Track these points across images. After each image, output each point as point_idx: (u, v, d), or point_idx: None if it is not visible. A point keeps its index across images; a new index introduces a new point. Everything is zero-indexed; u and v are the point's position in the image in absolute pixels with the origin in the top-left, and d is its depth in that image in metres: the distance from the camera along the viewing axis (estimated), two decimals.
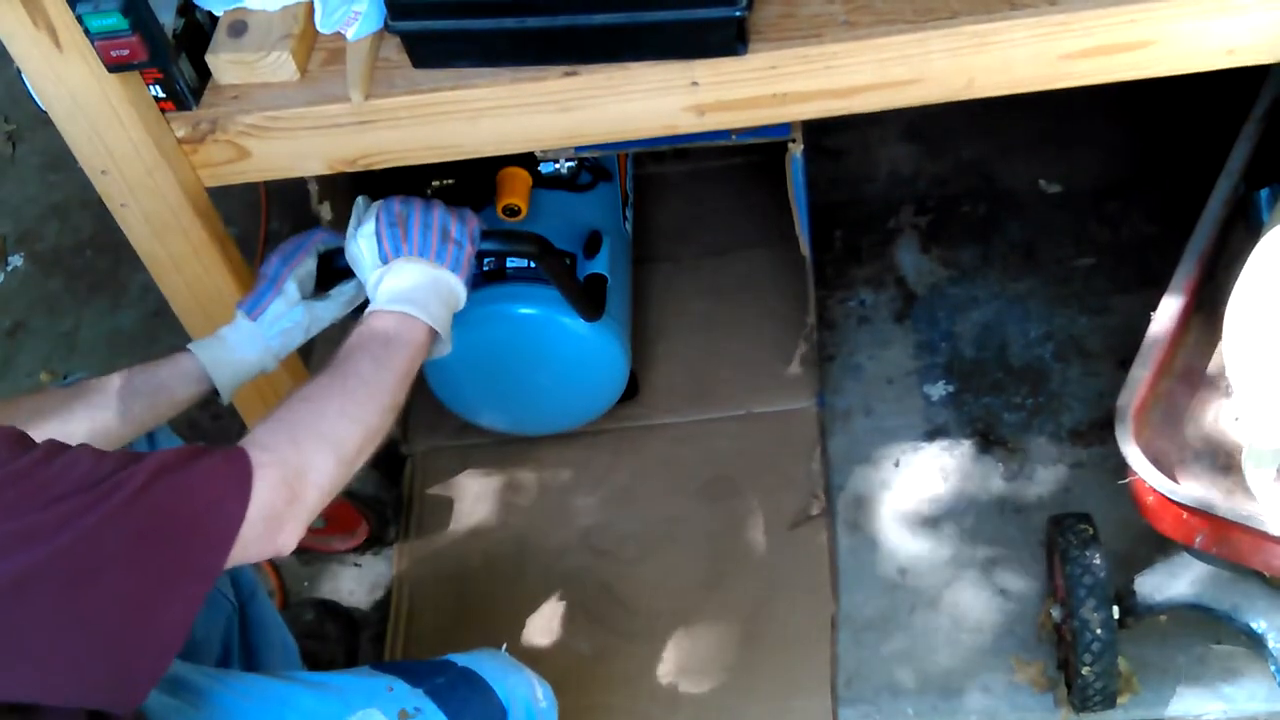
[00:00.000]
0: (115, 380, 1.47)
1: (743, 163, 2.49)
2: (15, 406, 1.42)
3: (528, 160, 1.96)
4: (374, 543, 2.13)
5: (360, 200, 1.56)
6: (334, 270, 1.58)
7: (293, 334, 1.56)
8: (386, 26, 1.57)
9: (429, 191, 1.99)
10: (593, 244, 2.03)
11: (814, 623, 1.96)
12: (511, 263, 1.94)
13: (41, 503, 1.06)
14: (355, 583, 2.13)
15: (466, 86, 1.57)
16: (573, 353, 2.00)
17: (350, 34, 1.62)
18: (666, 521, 2.10)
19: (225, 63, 1.61)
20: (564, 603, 2.05)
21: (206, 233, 1.69)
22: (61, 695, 1.09)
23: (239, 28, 1.62)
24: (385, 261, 1.45)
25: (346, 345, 1.36)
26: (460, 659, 1.48)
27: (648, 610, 2.02)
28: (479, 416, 2.16)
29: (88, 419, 1.42)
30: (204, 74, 1.63)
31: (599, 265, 2.01)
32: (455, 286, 1.47)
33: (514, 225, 1.96)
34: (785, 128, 1.76)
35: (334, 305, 1.59)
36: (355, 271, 1.50)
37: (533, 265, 1.91)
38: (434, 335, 1.42)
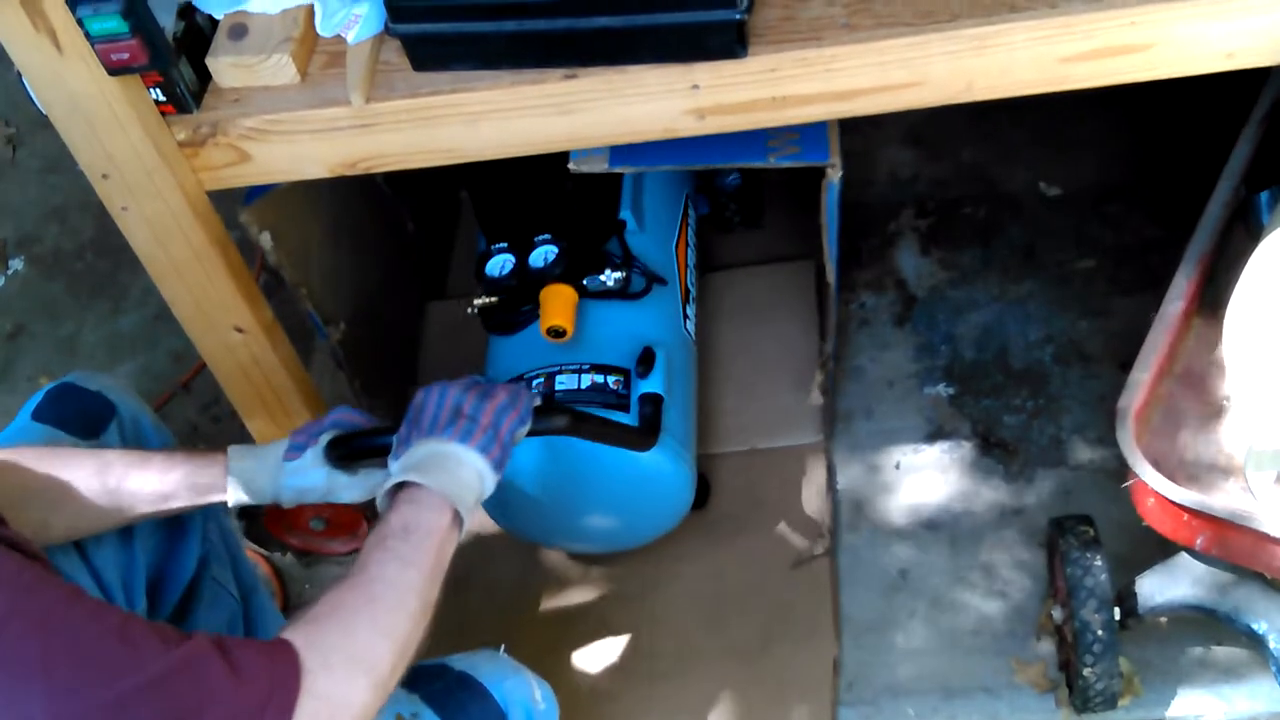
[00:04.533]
0: (155, 462, 1.47)
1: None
2: (53, 456, 1.43)
3: (572, 274, 1.89)
4: None
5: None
6: (359, 449, 1.52)
7: (307, 495, 1.52)
8: (387, 29, 1.57)
9: (471, 311, 1.93)
10: (646, 359, 1.87)
11: (815, 664, 1.92)
12: (560, 385, 1.84)
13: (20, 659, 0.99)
14: None
15: (467, 89, 1.57)
16: (632, 480, 1.88)
17: (350, 37, 1.62)
18: (671, 559, 2.07)
19: (226, 66, 1.61)
20: (565, 637, 2.02)
21: (207, 236, 1.69)
22: None
23: (239, 31, 1.62)
24: (398, 456, 1.40)
25: (367, 545, 1.28)
26: (457, 662, 1.47)
27: (649, 649, 1.99)
28: (537, 539, 2.07)
29: (113, 492, 1.43)
30: (204, 77, 1.63)
31: (654, 384, 1.85)
32: (464, 457, 1.36)
33: (559, 348, 1.87)
34: (824, 153, 1.71)
35: (357, 486, 1.53)
36: None
37: (583, 387, 1.83)
38: (454, 513, 1.32)
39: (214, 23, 1.64)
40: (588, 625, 2.03)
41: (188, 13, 1.62)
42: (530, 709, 1.45)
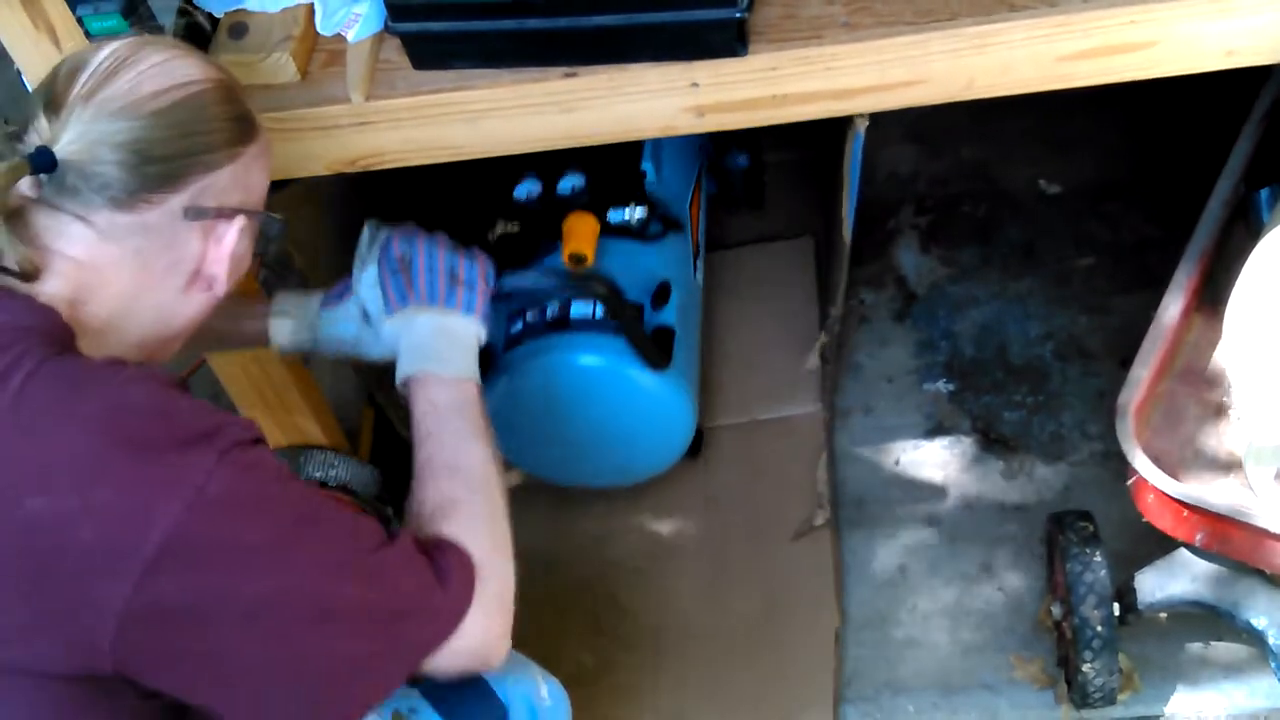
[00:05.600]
0: None
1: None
2: None
3: (596, 206, 1.91)
4: None
5: (366, 231, 1.54)
6: None
7: (341, 345, 1.57)
8: (387, 28, 1.57)
9: (492, 239, 1.93)
10: (661, 294, 1.94)
11: (817, 636, 1.93)
12: (576, 311, 1.86)
13: (288, 524, 1.11)
14: None
15: (467, 87, 1.57)
16: (638, 405, 1.91)
17: (351, 35, 1.62)
18: (672, 533, 2.08)
19: (226, 64, 1.60)
20: (569, 611, 2.03)
21: None
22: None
23: (239, 29, 1.62)
24: (391, 312, 1.44)
25: (427, 426, 1.36)
26: None
27: (652, 622, 2.00)
28: (534, 468, 2.09)
29: None
30: None
31: (667, 316, 1.92)
32: (470, 328, 1.45)
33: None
34: None
35: (385, 344, 1.54)
36: (369, 314, 1.50)
37: (598, 315, 1.84)
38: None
39: (214, 21, 1.64)
40: (587, 602, 2.04)
41: (188, 11, 1.62)
42: (535, 707, 1.42)
